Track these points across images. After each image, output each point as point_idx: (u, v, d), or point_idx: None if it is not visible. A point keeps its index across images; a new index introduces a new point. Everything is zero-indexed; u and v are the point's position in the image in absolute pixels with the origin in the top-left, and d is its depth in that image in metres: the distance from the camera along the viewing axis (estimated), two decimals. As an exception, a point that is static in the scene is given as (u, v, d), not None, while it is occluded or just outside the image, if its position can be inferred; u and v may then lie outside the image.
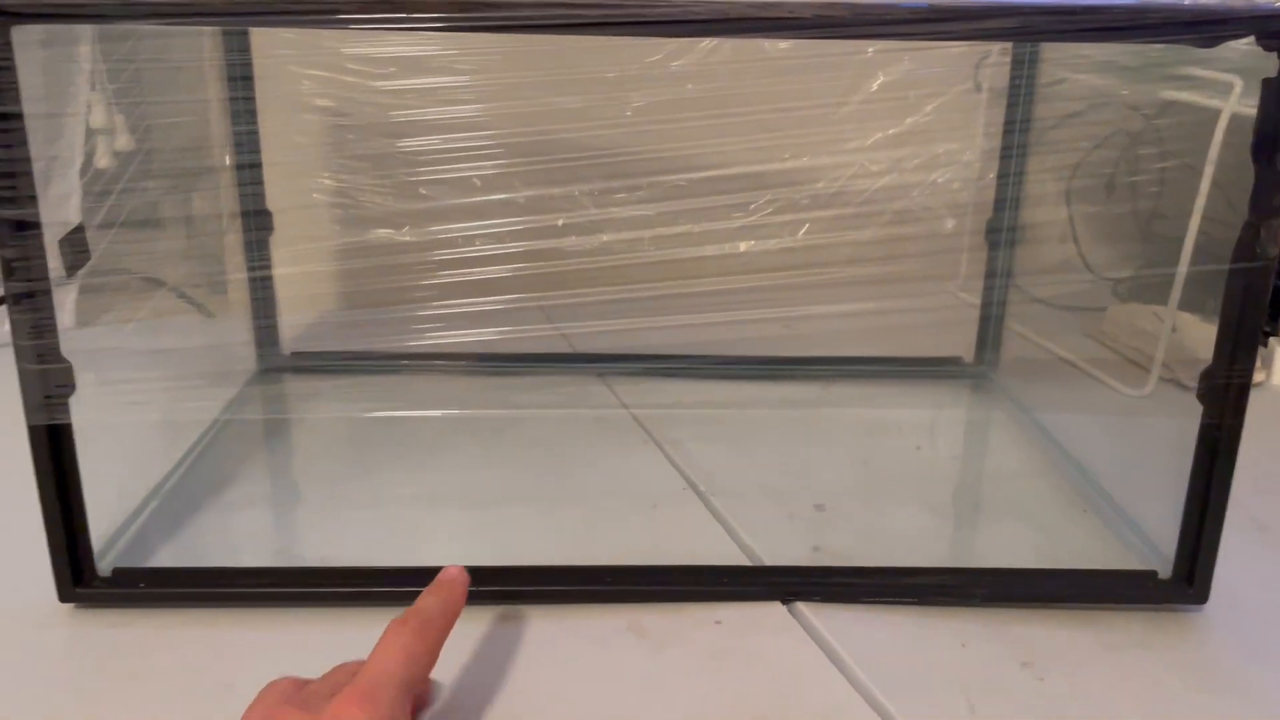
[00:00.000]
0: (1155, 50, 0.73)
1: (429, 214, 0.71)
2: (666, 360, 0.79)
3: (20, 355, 0.45)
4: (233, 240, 0.77)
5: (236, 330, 0.79)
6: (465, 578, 0.44)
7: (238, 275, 0.78)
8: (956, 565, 0.52)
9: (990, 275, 0.78)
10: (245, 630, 0.48)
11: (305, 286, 0.80)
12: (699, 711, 0.43)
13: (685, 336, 0.82)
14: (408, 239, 0.71)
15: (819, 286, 0.80)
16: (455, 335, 0.66)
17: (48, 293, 0.44)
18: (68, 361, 0.45)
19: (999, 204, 0.77)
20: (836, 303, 0.83)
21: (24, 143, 0.42)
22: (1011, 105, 0.74)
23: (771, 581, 0.51)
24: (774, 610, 0.50)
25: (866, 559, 0.53)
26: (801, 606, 0.50)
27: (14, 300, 0.44)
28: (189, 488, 0.61)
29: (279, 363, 0.78)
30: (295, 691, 0.39)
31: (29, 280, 0.44)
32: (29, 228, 0.43)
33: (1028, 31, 0.42)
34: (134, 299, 0.76)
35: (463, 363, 0.78)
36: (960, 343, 0.80)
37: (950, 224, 0.76)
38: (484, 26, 0.42)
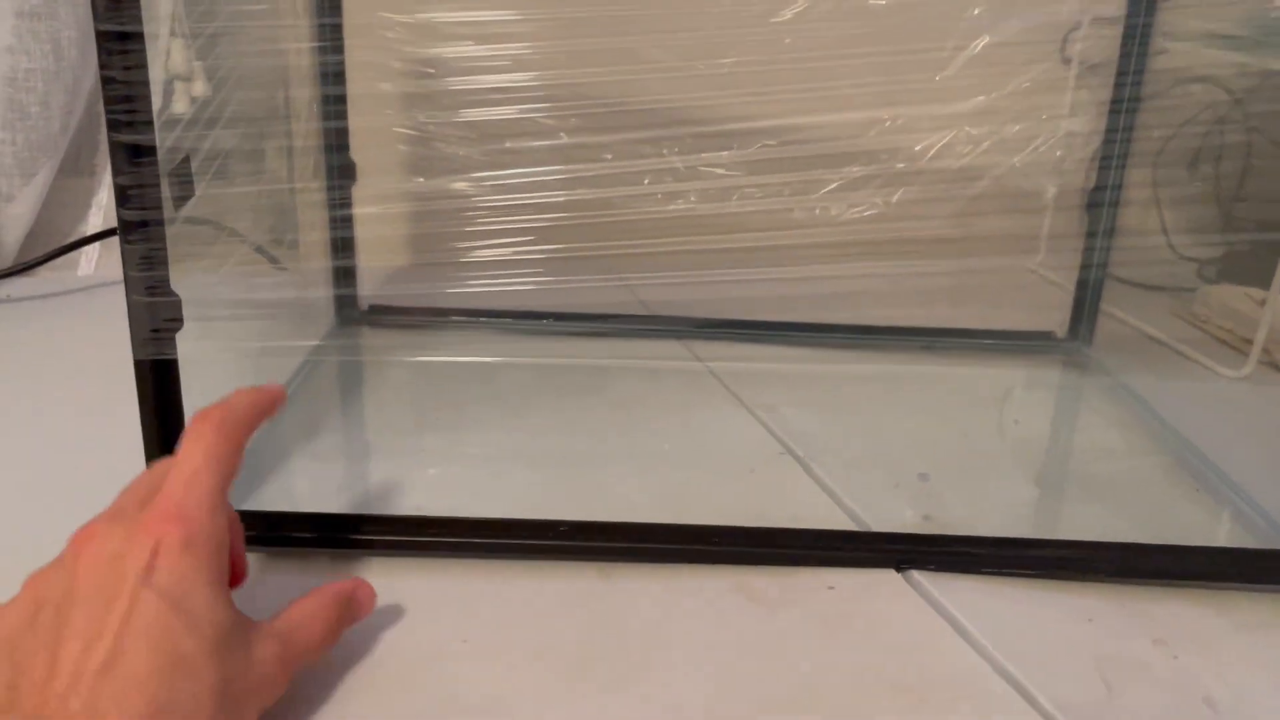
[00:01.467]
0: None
1: (512, 167, 0.69)
2: (750, 326, 0.77)
3: (130, 287, 0.43)
4: (313, 190, 0.76)
5: (313, 284, 0.78)
6: (280, 390, 0.42)
7: (317, 226, 0.77)
8: (1074, 539, 0.50)
9: (1088, 250, 0.75)
10: (338, 577, 0.47)
11: (385, 239, 0.78)
12: (824, 676, 0.41)
13: (768, 303, 0.81)
14: (489, 193, 0.70)
15: (906, 255, 0.78)
16: (532, 283, 0.65)
17: (160, 223, 0.43)
18: (177, 295, 0.44)
19: (1100, 176, 0.74)
20: (923, 272, 0.81)
21: (144, 64, 0.41)
22: (1120, 80, 0.71)
23: (885, 548, 0.49)
24: (888, 577, 0.48)
25: (981, 530, 0.51)
26: (917, 575, 0.48)
27: (126, 229, 0.43)
28: (271, 437, 0.60)
29: (356, 317, 0.77)
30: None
31: (143, 209, 0.42)
32: (145, 154, 0.42)
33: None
34: (209, 253, 0.75)
35: (543, 322, 0.76)
36: (1048, 318, 0.78)
37: (1051, 193, 0.74)
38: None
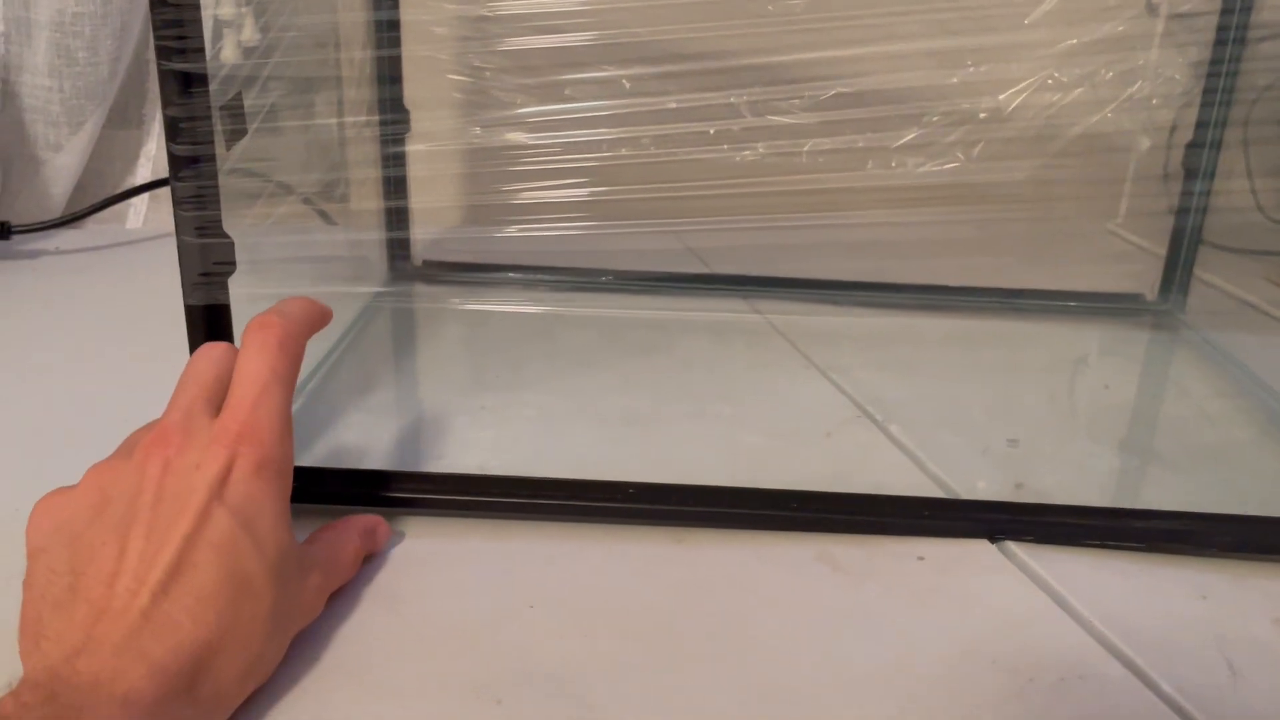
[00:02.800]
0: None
1: (570, 117, 0.66)
2: (818, 286, 0.73)
3: (181, 227, 0.41)
4: (366, 141, 0.73)
5: (366, 238, 0.75)
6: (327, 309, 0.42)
7: (370, 176, 0.74)
8: (1183, 510, 0.47)
9: (1183, 210, 0.71)
10: (403, 537, 0.44)
11: (440, 189, 0.76)
12: (920, 653, 0.38)
13: (838, 263, 0.77)
14: (547, 145, 0.67)
15: (986, 211, 0.74)
16: (590, 228, 0.62)
17: (213, 158, 0.40)
18: (229, 237, 0.42)
19: (1199, 131, 0.69)
20: (997, 230, 0.77)
21: (196, -14, 0.38)
22: (1225, 17, 0.67)
23: (978, 518, 0.46)
24: (982, 548, 0.45)
25: (1077, 499, 0.47)
26: (1012, 546, 0.45)
27: (177, 165, 0.40)
28: (328, 393, 0.58)
29: (409, 271, 0.74)
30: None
31: (194, 144, 0.40)
32: (197, 84, 0.39)
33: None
34: (260, 206, 0.73)
35: (603, 279, 0.73)
36: (1127, 280, 0.73)
37: (1145, 143, 0.69)
38: None
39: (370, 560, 0.42)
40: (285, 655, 0.36)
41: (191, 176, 0.40)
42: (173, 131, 0.39)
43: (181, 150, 0.40)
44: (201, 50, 0.39)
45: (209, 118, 0.40)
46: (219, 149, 0.42)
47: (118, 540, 0.33)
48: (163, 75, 0.39)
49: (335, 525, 0.41)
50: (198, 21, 0.38)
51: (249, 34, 0.83)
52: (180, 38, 0.38)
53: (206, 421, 0.36)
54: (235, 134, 0.44)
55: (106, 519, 0.33)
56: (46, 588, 0.32)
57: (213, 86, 0.41)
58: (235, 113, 0.45)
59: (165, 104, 0.39)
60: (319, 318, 0.41)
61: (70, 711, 0.28)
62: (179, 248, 0.41)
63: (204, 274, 0.42)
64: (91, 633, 0.30)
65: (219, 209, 0.41)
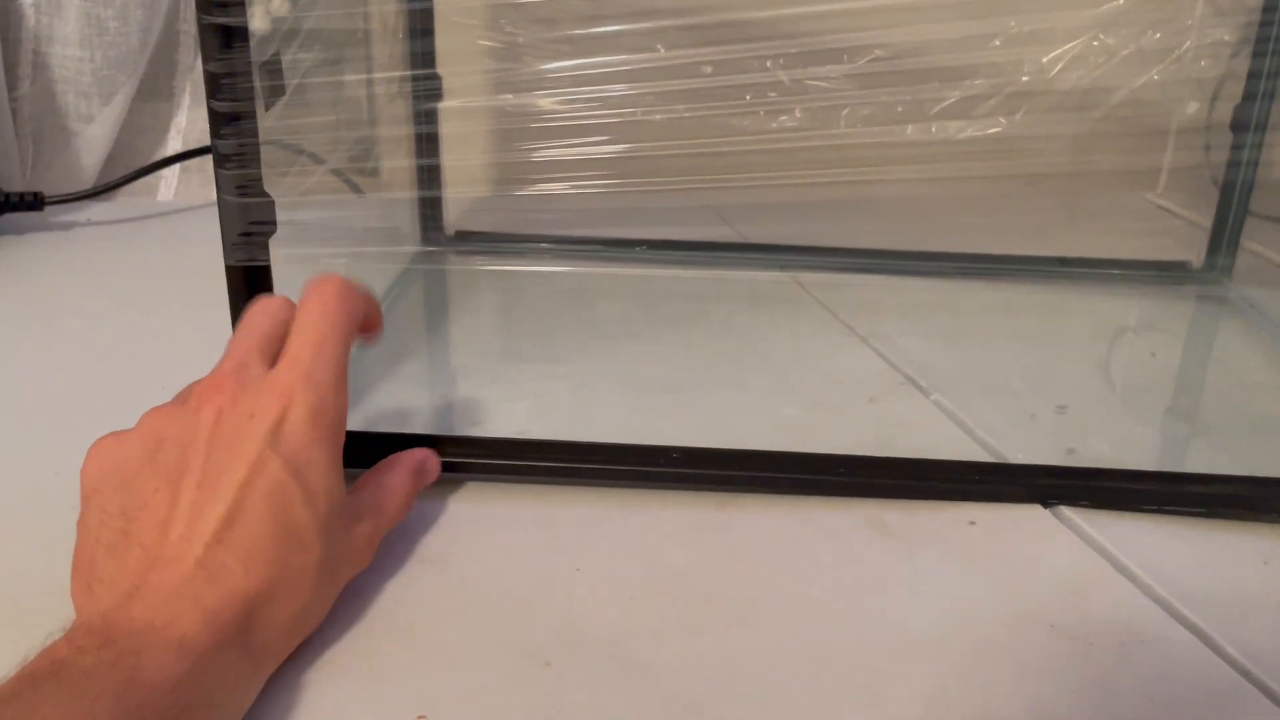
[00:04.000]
0: None
1: (602, 72, 0.65)
2: (857, 255, 0.72)
3: (221, 185, 0.40)
4: (398, 106, 0.72)
5: (399, 207, 0.74)
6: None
7: (402, 148, 0.73)
8: (1242, 474, 0.45)
9: (1230, 176, 0.69)
10: (446, 501, 0.44)
11: (472, 158, 0.75)
12: (974, 617, 0.37)
13: (877, 231, 0.76)
14: (577, 100, 0.65)
15: (1029, 179, 0.73)
16: (621, 186, 0.61)
17: (253, 115, 0.40)
18: (270, 196, 0.41)
19: (1250, 83, 0.68)
20: (1039, 199, 0.75)
21: (236, -63, 0.37)
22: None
23: (1030, 482, 0.45)
24: (1035, 513, 0.44)
25: (1131, 465, 0.46)
26: (1067, 511, 0.44)
27: (217, 121, 0.39)
28: (364, 360, 0.57)
29: (442, 242, 0.74)
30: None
31: (235, 100, 0.39)
32: (238, 38, 0.38)
33: None
34: (291, 177, 0.73)
35: (638, 249, 0.72)
36: (1169, 250, 0.72)
37: (1193, 108, 0.67)
38: None
39: (422, 504, 0.42)
40: (335, 609, 0.35)
41: (232, 134, 0.40)
42: (214, 87, 0.39)
43: (223, 107, 0.39)
44: (242, 4, 0.38)
45: (249, 74, 0.39)
46: (259, 107, 0.42)
47: (170, 487, 0.32)
48: (203, 30, 0.38)
49: (383, 467, 0.40)
50: (239, -26, 0.38)
51: (279, 3, 0.83)
52: (221, -10, 0.38)
53: (262, 371, 0.36)
54: (274, 91, 0.44)
55: (160, 464, 0.33)
56: (100, 530, 0.32)
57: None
58: (274, 70, 0.44)
59: (206, 59, 0.39)
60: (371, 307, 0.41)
61: (127, 656, 0.28)
62: (220, 207, 0.41)
63: (244, 233, 0.41)
64: (145, 579, 0.30)
65: (259, 168, 0.41)
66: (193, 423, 0.34)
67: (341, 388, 0.36)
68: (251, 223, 0.41)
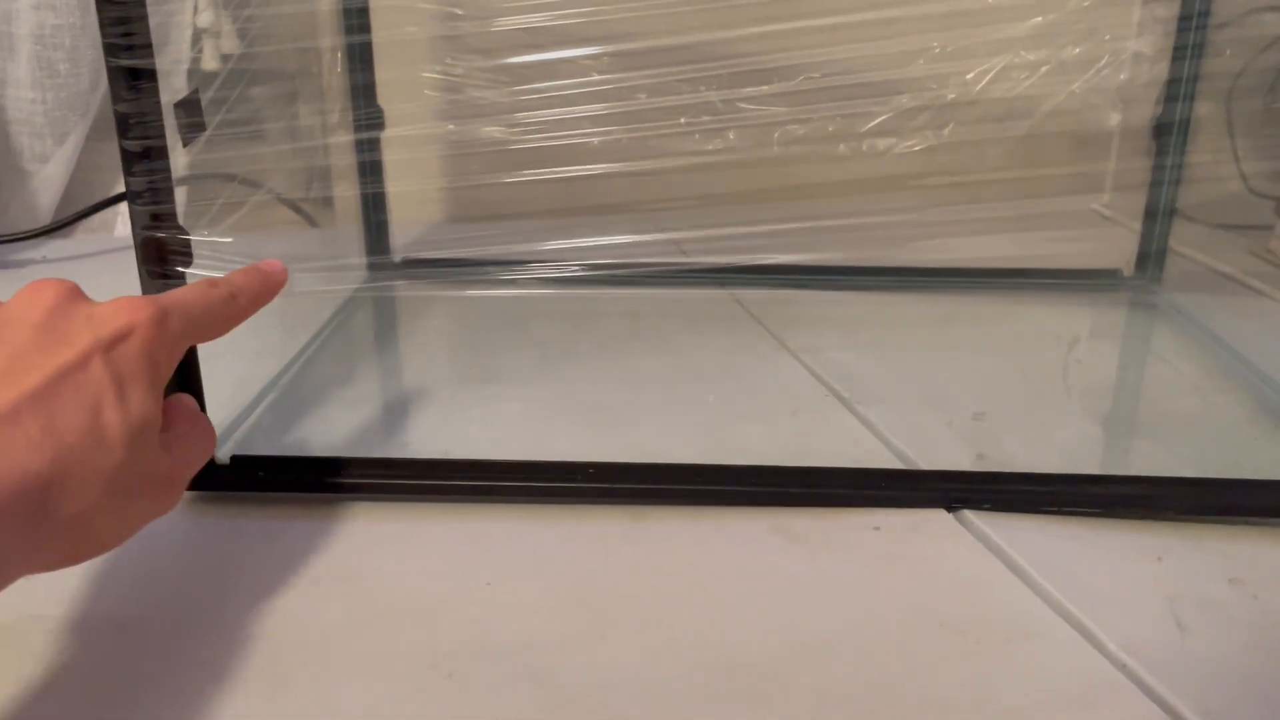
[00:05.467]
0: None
1: (542, 114, 0.66)
2: (793, 272, 0.74)
3: (135, 220, 0.42)
4: (342, 140, 0.74)
5: (345, 236, 0.76)
6: (283, 274, 0.42)
7: (347, 179, 0.75)
8: (1139, 475, 0.47)
9: (1156, 182, 0.71)
10: (367, 521, 0.45)
11: (416, 188, 0.76)
12: (871, 619, 0.39)
13: (813, 246, 0.77)
14: (519, 138, 0.67)
15: (961, 192, 0.74)
16: (567, 243, 0.63)
17: (164, 150, 0.41)
18: (184, 229, 0.42)
19: (1168, 103, 0.69)
20: (975, 210, 0.77)
21: (139, -16, 0.39)
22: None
23: (935, 487, 0.46)
24: (938, 517, 0.45)
25: (1040, 468, 0.47)
26: (970, 514, 0.45)
27: (129, 159, 0.41)
28: (304, 383, 0.58)
29: (389, 268, 0.75)
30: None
31: (145, 139, 0.41)
32: (145, 78, 0.40)
33: None
34: (239, 210, 0.74)
35: (578, 270, 0.74)
36: (1110, 258, 0.73)
37: (1115, 119, 0.69)
38: None
39: (340, 525, 0.43)
40: (241, 623, 0.36)
41: (144, 171, 0.41)
42: (123, 127, 0.40)
43: (133, 146, 0.41)
44: (149, 46, 0.40)
45: (159, 112, 0.41)
46: (178, 143, 0.43)
47: None
48: (111, 72, 0.40)
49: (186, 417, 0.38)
50: (144, 19, 0.39)
51: (229, 44, 0.84)
52: (127, 34, 0.39)
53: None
54: (193, 128, 0.45)
55: None
56: None
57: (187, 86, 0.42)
58: (193, 112, 0.45)
59: (115, 99, 0.40)
60: (264, 289, 0.41)
61: None
62: (135, 242, 0.42)
63: (159, 267, 0.43)
64: None
65: (173, 203, 0.42)
66: (24, 304, 0.33)
67: (182, 346, 0.37)
68: (169, 254, 0.43)
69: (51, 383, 0.31)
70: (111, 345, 0.33)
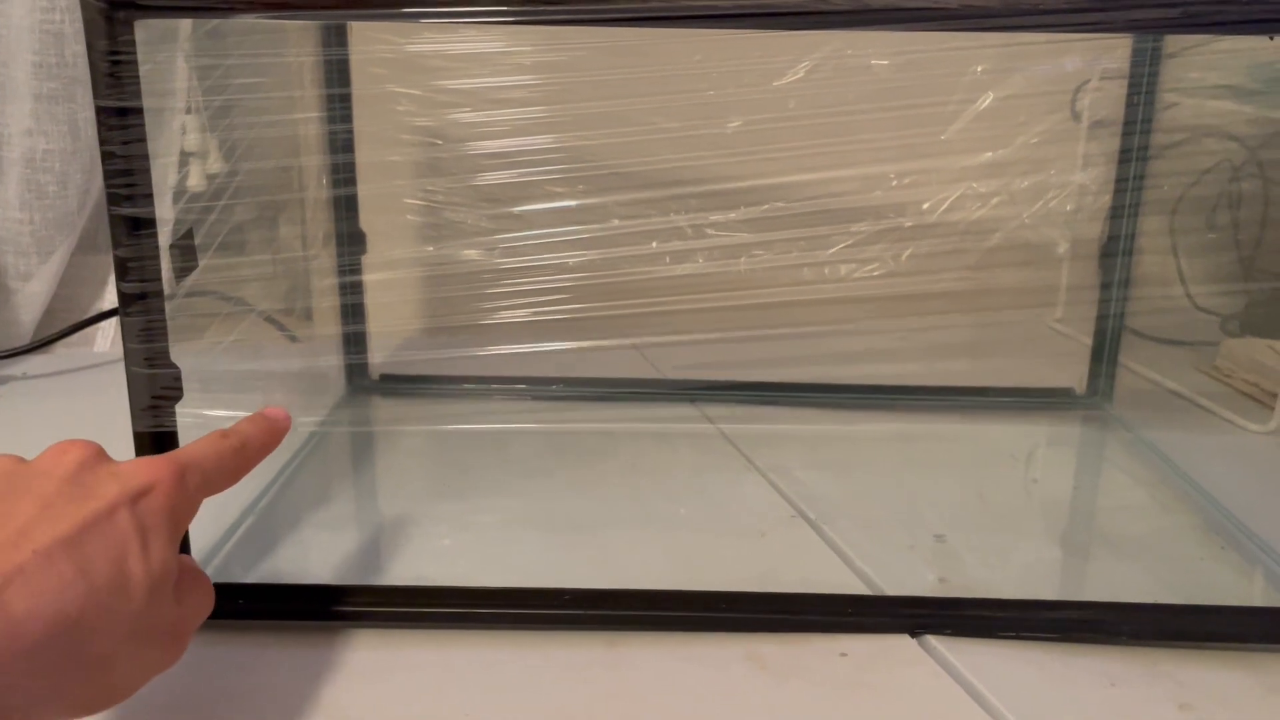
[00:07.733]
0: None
1: (519, 238, 0.69)
2: (762, 388, 0.76)
3: (129, 358, 0.43)
4: (324, 262, 0.76)
5: (324, 353, 0.78)
6: (288, 422, 0.44)
7: (327, 296, 0.77)
8: (1097, 600, 0.49)
9: (1104, 302, 0.74)
10: (345, 650, 0.46)
11: (395, 307, 0.79)
12: (833, 747, 0.40)
13: (780, 365, 0.80)
14: (498, 259, 0.70)
15: (920, 314, 0.77)
16: (541, 348, 0.65)
17: (160, 294, 0.43)
18: (176, 367, 0.44)
19: (1113, 231, 0.73)
20: (936, 327, 0.80)
21: (143, 139, 0.41)
22: (1128, 131, 0.71)
23: (899, 613, 0.48)
24: (903, 643, 0.47)
25: (998, 592, 0.49)
26: (932, 640, 0.46)
27: (126, 301, 0.43)
28: (282, 507, 0.59)
29: (367, 385, 0.77)
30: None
31: (142, 282, 0.43)
32: (145, 227, 0.42)
33: (1189, 22, 0.40)
34: (221, 323, 0.76)
35: (554, 387, 0.76)
36: (1066, 375, 0.77)
37: (1063, 248, 0.73)
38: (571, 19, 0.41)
39: (322, 655, 0.44)
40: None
41: (139, 312, 0.43)
42: (122, 271, 0.42)
43: (130, 289, 0.42)
44: (149, 196, 0.42)
45: (156, 258, 0.43)
46: (167, 285, 0.45)
47: (12, 500, 0.33)
48: (113, 220, 0.42)
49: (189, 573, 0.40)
50: (146, 171, 0.41)
51: (215, 164, 0.87)
52: (129, 185, 0.41)
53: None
54: (185, 270, 0.47)
55: (12, 484, 0.34)
56: None
57: (177, 208, 0.44)
58: (186, 249, 0.47)
59: (115, 245, 0.42)
60: (271, 438, 0.43)
61: None
62: (128, 378, 0.44)
63: (152, 401, 0.44)
64: None
65: (166, 341, 0.44)
66: (52, 460, 0.35)
67: (199, 500, 0.39)
68: (159, 389, 0.44)
69: (82, 530, 0.33)
70: (136, 499, 0.35)
